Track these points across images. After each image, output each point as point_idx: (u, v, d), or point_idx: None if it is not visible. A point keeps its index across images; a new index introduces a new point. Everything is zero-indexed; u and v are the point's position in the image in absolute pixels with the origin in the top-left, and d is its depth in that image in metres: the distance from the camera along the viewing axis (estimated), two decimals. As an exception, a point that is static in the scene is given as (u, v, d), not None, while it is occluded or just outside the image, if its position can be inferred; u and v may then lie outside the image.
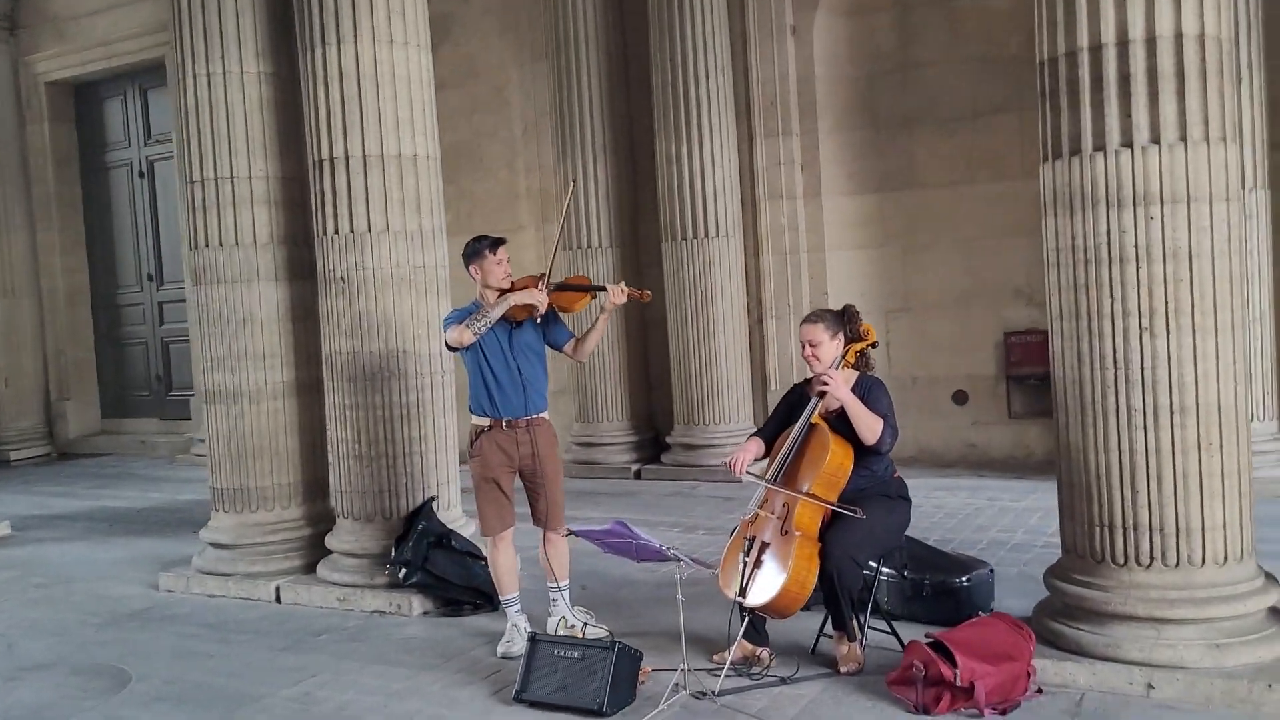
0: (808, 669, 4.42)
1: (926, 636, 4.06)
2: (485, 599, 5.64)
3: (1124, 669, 3.99)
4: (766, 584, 4.25)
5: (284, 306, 6.37)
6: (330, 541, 6.09)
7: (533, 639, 4.32)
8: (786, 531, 4.28)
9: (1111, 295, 4.01)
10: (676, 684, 4.23)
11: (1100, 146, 3.99)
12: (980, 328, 9.08)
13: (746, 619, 4.35)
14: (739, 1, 9.39)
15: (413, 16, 5.91)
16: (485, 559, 5.77)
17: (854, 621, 4.37)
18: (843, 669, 4.36)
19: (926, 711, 3.91)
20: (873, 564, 4.54)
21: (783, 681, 4.32)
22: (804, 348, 4.56)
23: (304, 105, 5.98)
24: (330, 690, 4.62)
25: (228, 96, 6.25)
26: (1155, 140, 3.91)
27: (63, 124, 13.73)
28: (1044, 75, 4.21)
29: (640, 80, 9.83)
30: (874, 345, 4.60)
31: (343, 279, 5.86)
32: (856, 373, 4.53)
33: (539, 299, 4.79)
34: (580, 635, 4.68)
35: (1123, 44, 3.92)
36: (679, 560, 4.11)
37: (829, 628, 4.56)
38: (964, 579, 4.91)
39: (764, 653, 4.47)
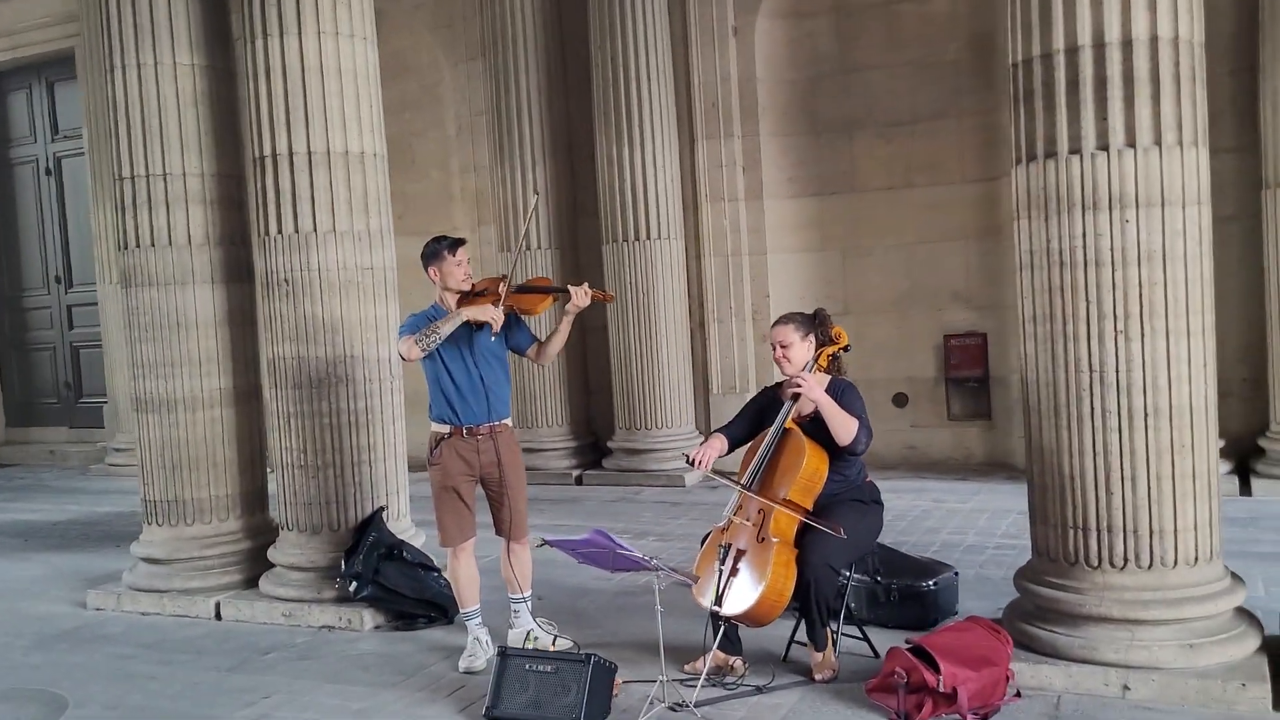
0: (782, 677, 4.35)
1: (906, 642, 4.01)
2: (440, 612, 5.47)
3: (1100, 671, 4.00)
4: (744, 592, 4.16)
5: (221, 310, 6.10)
6: (274, 555, 5.85)
7: (502, 653, 4.17)
8: (763, 538, 4.20)
9: (1087, 298, 4.01)
10: (652, 696, 4.12)
11: (1076, 149, 3.99)
12: (920, 331, 9.15)
13: (722, 628, 4.26)
14: (680, 2, 9.34)
15: (358, 8, 5.70)
16: (438, 570, 5.62)
17: (828, 628, 4.31)
18: (818, 676, 4.30)
19: (908, 718, 3.86)
20: (844, 570, 4.48)
21: (758, 691, 4.24)
22: (775, 349, 4.50)
23: (245, 99, 5.74)
24: (287, 711, 4.41)
25: (159, 89, 5.96)
26: (1131, 144, 3.92)
27: (-38, 119, 13.13)
28: (1018, 77, 4.21)
29: (580, 80, 9.71)
30: (846, 349, 4.55)
31: (287, 281, 5.63)
32: (829, 376, 4.48)
33: (494, 315, 4.60)
34: (551, 648, 4.54)
35: (1099, 46, 3.93)
36: (660, 570, 4.00)
37: (801, 635, 4.50)
38: (931, 583, 4.89)
39: (737, 662, 4.39)
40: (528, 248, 9.53)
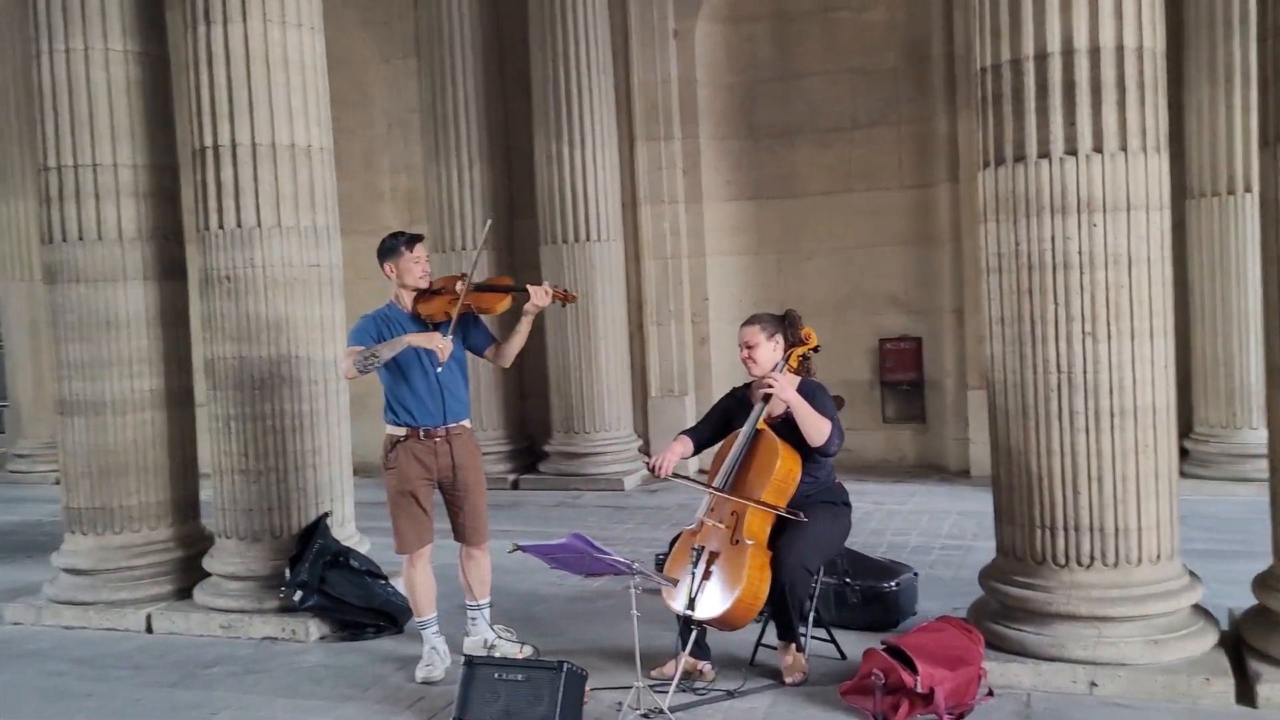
0: (752, 681, 4.30)
1: (882, 644, 4.00)
2: (389, 621, 5.31)
3: (1068, 668, 4.04)
4: (718, 596, 4.11)
5: (153, 308, 5.83)
6: (210, 564, 5.61)
7: (469, 662, 4.04)
8: (738, 540, 4.15)
9: (1055, 300, 4.06)
10: (627, 704, 4.04)
11: (1045, 154, 4.03)
12: (856, 335, 9.24)
13: (695, 633, 4.19)
14: (620, 3, 9.28)
15: (306, -4, 5.53)
16: (386, 578, 5.47)
17: (799, 631, 4.28)
18: (788, 680, 4.26)
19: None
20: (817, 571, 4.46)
21: (730, 695, 4.19)
22: (741, 349, 4.47)
23: (185, 88, 5.50)
24: (240, 727, 4.22)
25: (89, 76, 5.68)
26: (1098, 149, 3.98)
27: None
28: (986, 82, 4.23)
29: (517, 79, 9.60)
30: (816, 349, 4.54)
31: (228, 278, 5.42)
32: (798, 377, 4.45)
33: (440, 345, 4.41)
34: (518, 656, 4.42)
35: (1068, 53, 3.98)
36: (639, 574, 3.92)
37: (768, 638, 4.47)
38: (894, 584, 4.90)
39: (706, 666, 4.33)
40: (462, 248, 9.38)
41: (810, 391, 4.38)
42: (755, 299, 9.60)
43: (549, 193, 9.07)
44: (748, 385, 4.63)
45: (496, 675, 3.98)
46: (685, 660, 4.24)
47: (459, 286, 4.63)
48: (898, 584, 4.91)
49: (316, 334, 5.53)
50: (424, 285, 4.64)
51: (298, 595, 5.21)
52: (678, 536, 4.51)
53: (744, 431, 4.35)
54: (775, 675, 4.34)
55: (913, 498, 7.97)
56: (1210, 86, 7.15)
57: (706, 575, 4.16)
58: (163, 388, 5.86)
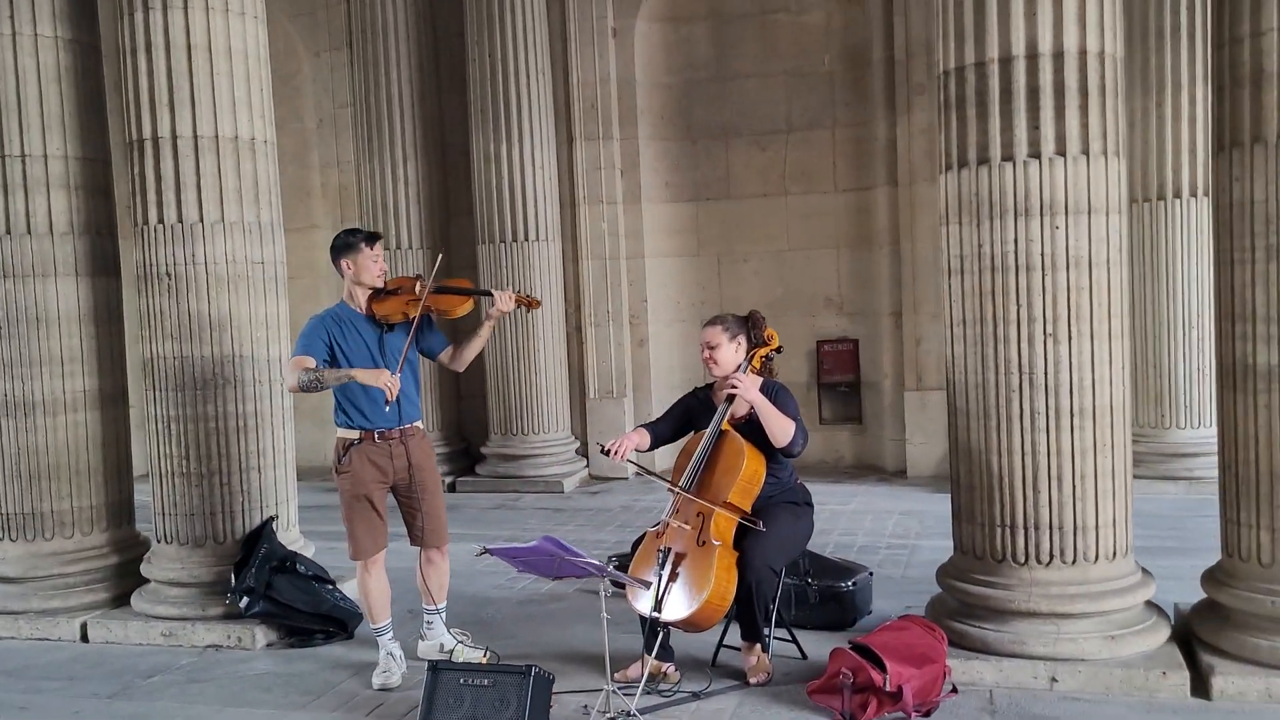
0: (717, 683, 4.28)
1: (850, 643, 4.01)
2: (338, 626, 5.18)
3: (1029, 664, 4.10)
4: (685, 598, 4.08)
5: (86, 305, 5.61)
6: (149, 570, 5.41)
7: (434, 668, 3.94)
8: (704, 542, 4.13)
9: (1018, 302, 4.11)
10: (597, 708, 3.99)
11: (1009, 156, 4.09)
12: (793, 336, 9.25)
13: (661, 635, 4.16)
14: (559, 0, 9.20)
15: (249, -16, 5.37)
16: (333, 582, 5.34)
17: (764, 631, 4.28)
18: (752, 680, 4.25)
19: (853, 718, 3.86)
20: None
21: (696, 697, 4.16)
22: (703, 350, 4.45)
23: (121, 77, 5.28)
24: (190, 739, 4.07)
25: (18, 63, 5.45)
26: (1061, 152, 4.04)
27: None
28: (949, 84, 4.27)
29: (453, 75, 9.47)
30: (779, 350, 4.54)
31: (168, 274, 5.23)
32: (761, 378, 4.44)
33: (388, 384, 4.25)
34: (482, 660, 4.34)
35: (1032, 57, 4.03)
36: (616, 578, 3.87)
37: (730, 639, 4.45)
38: (850, 583, 4.93)
39: (670, 668, 4.31)
40: (397, 247, 9.22)
41: (774, 392, 4.38)
42: (693, 300, 9.64)
43: (486, 191, 8.96)
44: (709, 386, 4.61)
45: (461, 680, 3.89)
46: (646, 661, 4.20)
47: (418, 288, 4.53)
48: (854, 583, 4.94)
49: (261, 332, 5.37)
50: (380, 284, 4.54)
51: (244, 601, 5.06)
52: (642, 538, 4.46)
53: (708, 432, 4.33)
54: (739, 676, 4.33)
55: (854, 498, 8.04)
56: (1143, 96, 7.34)
57: (673, 577, 4.13)
58: (96, 388, 5.65)
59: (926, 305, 8.60)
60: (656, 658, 4.25)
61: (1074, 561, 4.14)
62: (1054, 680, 4.06)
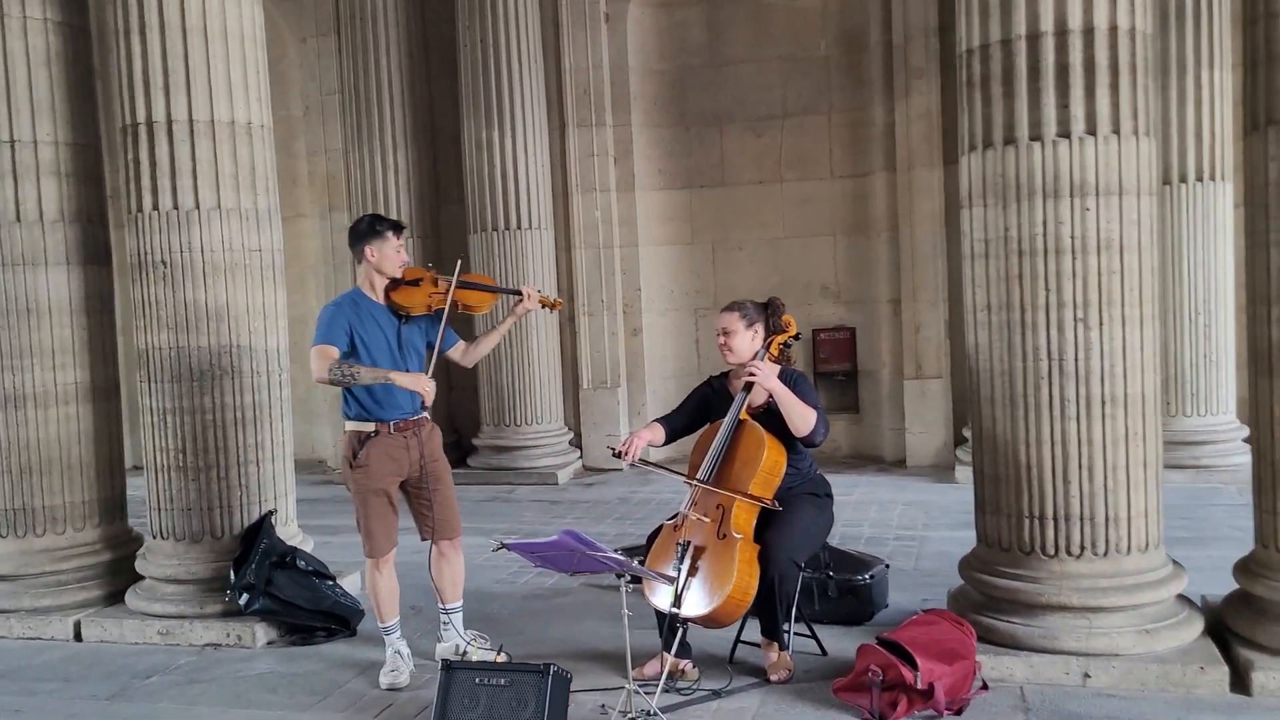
0: (737, 680, 4.16)
1: (877, 639, 3.91)
2: (340, 624, 5.04)
3: (1060, 659, 4.00)
4: (707, 593, 3.96)
5: (77, 295, 5.43)
6: (144, 567, 5.25)
7: (447, 667, 3.80)
8: (725, 535, 4.01)
9: (1047, 286, 4.00)
10: (605, 705, 3.88)
11: (1037, 136, 3.97)
12: (791, 325, 9.17)
13: (680, 631, 4.03)
14: (551, -17, 9.05)
15: (244, -36, 5.18)
16: (334, 578, 5.20)
17: (784, 627, 4.17)
18: (773, 677, 4.14)
19: (883, 717, 3.75)
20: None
21: (716, 695, 4.05)
22: (718, 335, 4.34)
23: (115, 59, 5.10)
24: (195, 743, 3.92)
25: (7, 45, 5.26)
26: (1091, 132, 3.93)
27: None
28: (972, 63, 4.15)
29: (444, 61, 9.30)
30: (797, 337, 4.42)
31: (164, 263, 5.06)
32: (778, 366, 4.33)
33: (427, 389, 4.27)
34: (498, 659, 4.20)
35: (1061, 34, 3.92)
36: (638, 574, 3.75)
37: (748, 635, 4.34)
38: (867, 576, 4.82)
39: (688, 665, 4.19)
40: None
41: (792, 380, 4.26)
42: (687, 289, 9.52)
43: (478, 179, 8.80)
44: (724, 374, 4.49)
45: (477, 680, 3.75)
46: (664, 659, 4.09)
47: (440, 281, 4.43)
48: (871, 576, 4.84)
49: (259, 322, 5.21)
50: (399, 275, 4.41)
51: (243, 598, 4.90)
52: (658, 530, 4.34)
53: (726, 421, 4.21)
54: (758, 673, 4.22)
55: (855, 489, 7.95)
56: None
57: (693, 571, 4.00)
58: (88, 380, 5.47)
59: (925, 292, 8.52)
60: (676, 655, 4.13)
61: (1106, 554, 4.04)
62: (1086, 676, 3.96)
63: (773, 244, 9.25)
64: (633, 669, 4.07)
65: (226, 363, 5.09)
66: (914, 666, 3.73)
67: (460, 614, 4.58)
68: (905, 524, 6.84)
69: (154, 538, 5.25)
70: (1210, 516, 6.52)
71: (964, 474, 7.84)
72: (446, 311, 4.37)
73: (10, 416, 5.30)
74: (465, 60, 8.78)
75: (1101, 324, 3.98)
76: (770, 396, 4.21)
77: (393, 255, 4.35)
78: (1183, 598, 4.25)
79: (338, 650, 4.87)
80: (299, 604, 4.98)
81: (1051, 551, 4.08)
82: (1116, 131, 3.95)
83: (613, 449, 4.34)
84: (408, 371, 4.34)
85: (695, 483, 4.16)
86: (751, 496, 4.05)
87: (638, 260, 9.35)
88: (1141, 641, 3.98)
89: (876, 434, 9.06)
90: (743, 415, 4.23)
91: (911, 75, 8.30)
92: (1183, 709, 3.77)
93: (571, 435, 9.28)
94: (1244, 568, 4.11)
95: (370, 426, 4.31)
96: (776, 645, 4.18)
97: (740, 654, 4.40)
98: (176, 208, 5.03)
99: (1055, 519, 4.07)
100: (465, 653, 4.45)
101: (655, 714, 3.77)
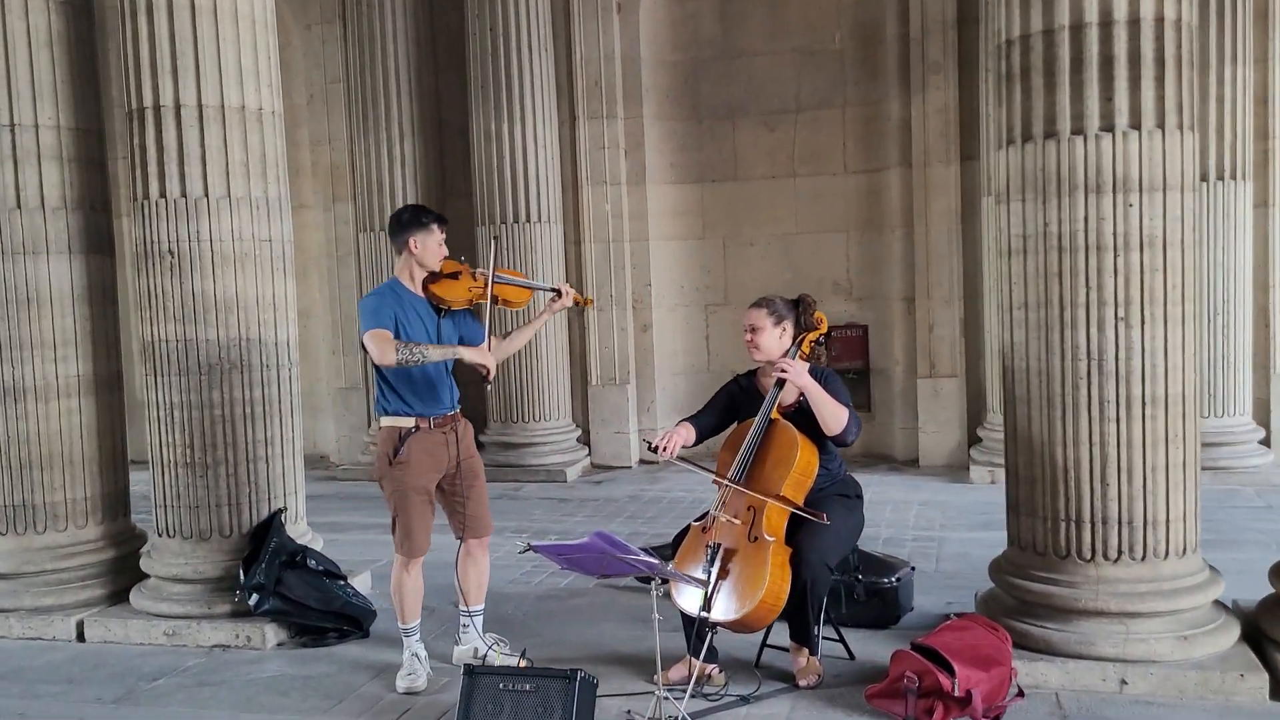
0: (765, 685, 4.05)
1: (912, 645, 3.79)
2: (352, 625, 4.91)
3: (1097, 666, 3.89)
4: (738, 597, 3.84)
5: (80, 285, 5.29)
6: (149, 565, 5.11)
7: (470, 671, 3.68)
8: (756, 537, 3.89)
9: (1087, 284, 3.89)
10: (630, 711, 3.77)
11: (1079, 130, 3.86)
12: (802, 322, 9.05)
13: (709, 636, 3.92)
14: (562, -26, 8.91)
15: (254, -56, 5.04)
16: (345, 578, 5.08)
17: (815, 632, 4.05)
18: (802, 682, 4.03)
19: (917, 725, 3.64)
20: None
21: (744, 700, 3.93)
22: (745, 331, 4.23)
23: (121, 41, 4.95)
24: (207, 750, 3.80)
25: (7, 26, 5.11)
26: (1135, 125, 3.82)
27: None
28: (1011, 54, 4.03)
29: (451, 51, 9.15)
30: (828, 334, 4.31)
31: (171, 252, 4.92)
32: (808, 364, 4.21)
33: (490, 363, 4.17)
34: (520, 664, 4.08)
35: (1105, 24, 3.81)
36: (670, 576, 3.63)
37: (774, 639, 4.22)
38: (894, 579, 4.72)
39: (715, 670, 4.07)
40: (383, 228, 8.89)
41: (824, 378, 4.14)
42: (698, 285, 9.40)
43: (486, 172, 8.67)
44: (752, 372, 4.37)
45: (501, 686, 3.64)
46: (690, 663, 3.97)
47: (478, 274, 4.32)
48: (898, 579, 4.73)
49: (269, 314, 5.07)
50: (437, 268, 4.29)
51: (253, 599, 4.77)
52: (685, 531, 4.21)
53: (757, 419, 4.09)
54: (786, 678, 4.11)
55: (869, 488, 7.59)
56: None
57: (723, 574, 3.89)
58: (90, 372, 5.33)
59: (940, 290, 8.41)
60: (702, 659, 4.01)
61: (1144, 558, 3.93)
62: (1124, 683, 3.86)
63: (785, 240, 9.12)
64: (657, 674, 3.98)
65: (236, 356, 4.96)
66: (951, 673, 3.62)
67: (481, 616, 4.46)
68: (922, 525, 6.73)
69: (159, 535, 5.12)
70: (1231, 519, 6.42)
71: (979, 474, 7.75)
72: (488, 307, 4.25)
73: (10, 409, 5.16)
74: (474, 49, 8.65)
75: (1144, 323, 3.87)
76: (801, 395, 4.10)
77: (435, 248, 4.23)
78: (1218, 603, 4.14)
79: (351, 652, 4.74)
80: (310, 604, 4.85)
81: (1088, 555, 3.97)
82: (1161, 125, 3.84)
83: (648, 442, 4.21)
84: (444, 362, 4.23)
85: (727, 483, 4.04)
86: (785, 500, 3.93)
87: (648, 255, 9.22)
88: (1180, 648, 3.88)
89: (888, 433, 8.94)
90: (774, 414, 4.11)
91: (929, 69, 8.18)
92: (1221, 716, 3.67)
93: (580, 432, 9.16)
94: (1278, 572, 4.01)
95: (410, 422, 4.18)
96: (806, 650, 4.06)
97: (766, 658, 4.28)
98: (185, 195, 4.89)
99: (1092, 522, 3.96)
100: (484, 656, 4.32)
101: (679, 718, 3.65)
